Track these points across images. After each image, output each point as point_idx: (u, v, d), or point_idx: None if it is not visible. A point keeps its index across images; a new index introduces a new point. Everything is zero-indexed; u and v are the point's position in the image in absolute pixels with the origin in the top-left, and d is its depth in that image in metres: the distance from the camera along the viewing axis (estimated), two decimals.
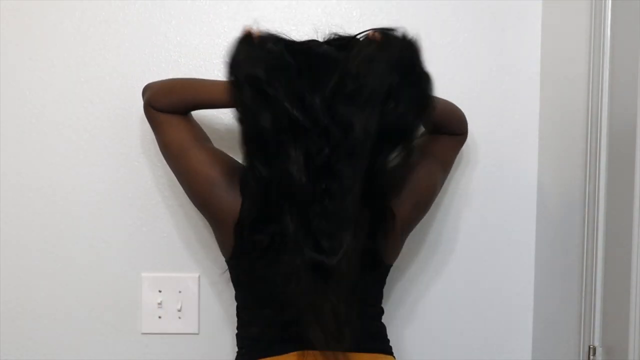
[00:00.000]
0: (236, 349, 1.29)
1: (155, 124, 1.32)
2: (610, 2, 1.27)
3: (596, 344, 1.29)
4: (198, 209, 1.29)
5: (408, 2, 1.55)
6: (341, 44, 1.18)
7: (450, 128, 1.38)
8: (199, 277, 1.55)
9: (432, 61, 1.55)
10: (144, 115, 1.33)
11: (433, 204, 1.36)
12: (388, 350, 1.30)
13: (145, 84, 1.36)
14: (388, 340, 1.32)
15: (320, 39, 1.21)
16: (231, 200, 1.19)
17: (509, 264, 1.60)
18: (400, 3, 1.55)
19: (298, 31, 1.52)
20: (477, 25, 1.56)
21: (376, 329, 1.30)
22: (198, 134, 1.31)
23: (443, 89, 1.56)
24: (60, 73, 1.53)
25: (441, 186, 1.39)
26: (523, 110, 1.58)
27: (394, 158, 1.14)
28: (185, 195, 1.52)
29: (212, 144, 1.31)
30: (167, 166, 1.53)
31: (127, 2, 1.53)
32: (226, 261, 1.26)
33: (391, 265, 1.29)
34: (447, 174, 1.42)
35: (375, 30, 1.14)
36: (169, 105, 1.29)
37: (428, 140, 1.37)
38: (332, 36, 1.21)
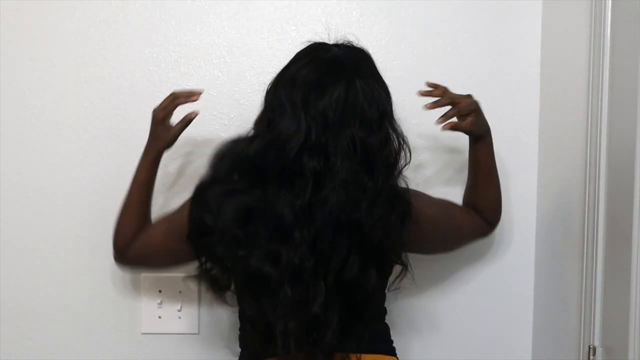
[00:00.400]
0: (238, 349, 1.29)
1: (141, 263, 1.38)
2: (610, 2, 1.27)
3: (596, 344, 1.29)
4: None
5: (408, 2, 1.55)
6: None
7: (483, 206, 1.40)
8: None
9: (433, 61, 1.56)
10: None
11: None
12: (391, 351, 1.30)
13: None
14: (392, 341, 1.31)
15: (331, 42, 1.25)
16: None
17: (509, 264, 1.60)
18: (400, 3, 1.55)
19: (298, 31, 1.52)
20: (477, 25, 1.56)
21: (379, 330, 1.29)
22: (159, 233, 1.31)
23: None
24: (60, 73, 1.53)
25: (448, 250, 1.45)
26: (523, 110, 1.58)
27: None
28: (185, 196, 1.53)
29: (165, 223, 1.32)
30: (167, 167, 1.54)
31: (127, 2, 1.53)
32: None
33: (392, 268, 1.29)
34: (457, 246, 1.45)
35: None
36: (131, 234, 1.33)
37: (461, 207, 1.42)
38: (345, 42, 1.25)
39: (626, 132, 1.19)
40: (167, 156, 1.52)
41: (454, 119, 1.30)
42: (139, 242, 1.31)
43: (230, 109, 1.54)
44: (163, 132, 1.32)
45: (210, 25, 1.54)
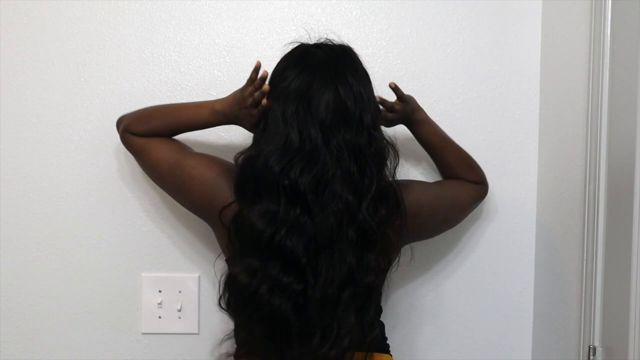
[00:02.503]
0: (235, 346, 1.29)
1: (138, 149, 1.33)
2: (610, 2, 1.27)
3: (596, 344, 1.29)
4: (200, 216, 1.30)
5: (408, 2, 1.55)
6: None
7: (459, 171, 1.42)
8: (199, 277, 1.56)
9: (433, 61, 1.56)
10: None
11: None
12: (385, 349, 1.30)
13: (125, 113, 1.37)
14: (386, 339, 1.31)
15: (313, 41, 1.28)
16: (229, 199, 1.20)
17: (509, 264, 1.60)
18: (401, 3, 1.55)
19: (298, 31, 1.52)
20: (477, 25, 1.56)
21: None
22: (182, 146, 1.33)
23: (443, 89, 1.57)
24: (60, 73, 1.53)
25: (453, 225, 1.44)
26: (523, 110, 1.58)
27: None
28: None
29: (197, 153, 1.33)
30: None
31: (127, 2, 1.53)
32: (226, 260, 1.26)
33: (390, 265, 1.29)
34: (461, 217, 1.44)
35: None
36: (150, 131, 1.31)
37: (451, 180, 1.43)
38: (325, 41, 1.27)
39: (626, 132, 1.19)
40: None
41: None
42: (154, 140, 1.30)
43: None
44: (247, 117, 1.26)
45: (210, 25, 1.54)
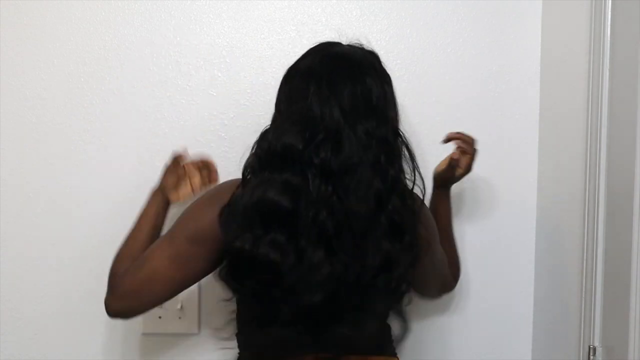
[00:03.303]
0: (237, 350, 1.28)
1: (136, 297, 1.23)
2: (610, 2, 1.27)
3: (596, 344, 1.29)
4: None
5: (408, 2, 1.55)
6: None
7: (449, 259, 1.44)
8: None
9: (432, 61, 1.56)
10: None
11: None
12: (392, 352, 1.29)
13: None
14: (392, 341, 1.31)
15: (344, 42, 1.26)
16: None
17: (509, 265, 1.60)
18: (401, 3, 1.55)
19: (298, 31, 1.52)
20: (477, 25, 1.56)
21: (383, 330, 1.29)
22: (168, 252, 1.22)
23: (443, 89, 1.57)
24: (60, 73, 1.53)
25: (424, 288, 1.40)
26: (523, 110, 1.58)
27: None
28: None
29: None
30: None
31: (127, 2, 1.53)
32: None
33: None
34: (433, 282, 1.40)
35: None
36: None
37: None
38: (356, 43, 1.26)
39: (626, 132, 1.19)
40: (167, 157, 1.53)
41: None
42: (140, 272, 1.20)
43: (230, 109, 1.54)
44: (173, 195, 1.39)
45: (210, 25, 1.54)
